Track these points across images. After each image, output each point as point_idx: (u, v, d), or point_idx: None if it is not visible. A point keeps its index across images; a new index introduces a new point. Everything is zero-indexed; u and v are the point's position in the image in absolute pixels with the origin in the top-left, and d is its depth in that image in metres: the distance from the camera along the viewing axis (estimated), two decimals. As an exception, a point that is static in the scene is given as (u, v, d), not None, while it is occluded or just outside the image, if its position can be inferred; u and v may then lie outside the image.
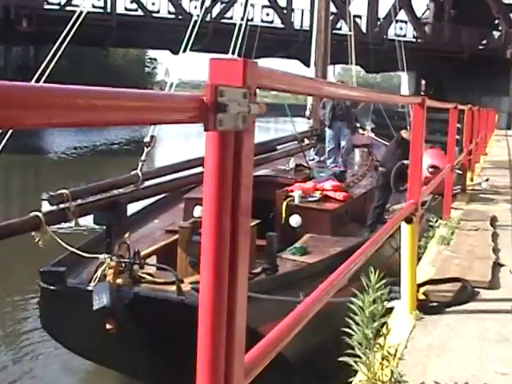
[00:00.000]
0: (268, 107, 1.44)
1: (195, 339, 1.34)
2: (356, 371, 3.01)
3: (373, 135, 14.35)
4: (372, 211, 7.95)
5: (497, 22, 42.12)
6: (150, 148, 6.50)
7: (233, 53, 9.45)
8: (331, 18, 14.82)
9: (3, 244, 4.45)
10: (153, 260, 5.94)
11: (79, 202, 5.08)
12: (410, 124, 4.60)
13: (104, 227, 5.33)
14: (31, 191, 19.64)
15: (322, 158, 11.49)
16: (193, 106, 1.20)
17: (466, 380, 3.04)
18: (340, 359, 3.04)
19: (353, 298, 3.16)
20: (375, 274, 3.17)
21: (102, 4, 32.67)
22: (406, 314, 3.93)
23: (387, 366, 2.96)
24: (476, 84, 38.11)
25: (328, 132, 11.37)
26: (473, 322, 3.89)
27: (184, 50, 8.33)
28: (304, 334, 2.04)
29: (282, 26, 36.87)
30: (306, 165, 9.85)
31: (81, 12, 7.60)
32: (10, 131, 4.76)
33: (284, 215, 7.22)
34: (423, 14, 45.75)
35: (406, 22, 40.87)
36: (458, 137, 9.67)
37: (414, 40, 40.31)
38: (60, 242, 4.75)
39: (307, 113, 12.92)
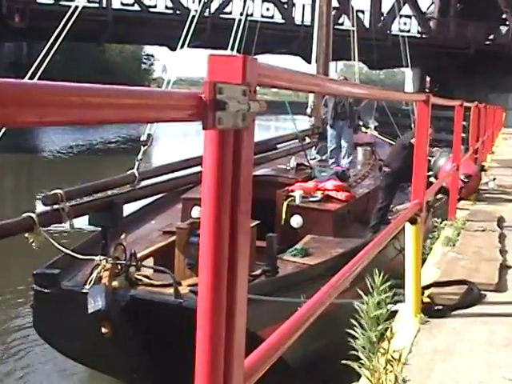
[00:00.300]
0: (268, 105, 1.45)
1: (193, 343, 1.34)
2: (359, 376, 3.02)
3: (376, 133, 14.36)
4: (376, 212, 7.95)
5: (504, 16, 42.10)
6: (146, 147, 6.51)
7: (232, 49, 9.45)
8: (333, 12, 14.84)
9: (-4, 246, 4.45)
10: (150, 262, 5.94)
11: (74, 202, 5.09)
12: (415, 122, 4.60)
13: (99, 228, 5.33)
14: (24, 191, 19.66)
15: (323, 157, 11.49)
16: (191, 103, 1.20)
17: (473, 385, 3.04)
18: (343, 363, 3.04)
19: (356, 301, 3.16)
20: (379, 276, 3.18)
21: (97, -2, 32.71)
22: (411, 318, 3.93)
23: (391, 371, 2.96)
24: (482, 81, 38.10)
25: (330, 131, 11.36)
26: (479, 326, 3.89)
27: (182, 46, 8.34)
28: (305, 337, 2.04)
29: (283, 21, 36.86)
30: (307, 164, 9.85)
31: (76, 7, 7.61)
32: (3, 129, 4.76)
33: (284, 216, 7.23)
34: (428, 8, 45.75)
35: (410, 17, 40.86)
36: (463, 135, 9.68)
37: (419, 35, 40.29)
38: (54, 243, 4.75)
39: (308, 110, 12.92)
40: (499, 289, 4.62)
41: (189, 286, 4.81)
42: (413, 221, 3.87)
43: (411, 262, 3.97)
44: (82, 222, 5.39)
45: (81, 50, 51.26)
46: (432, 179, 7.87)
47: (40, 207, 4.92)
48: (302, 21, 36.43)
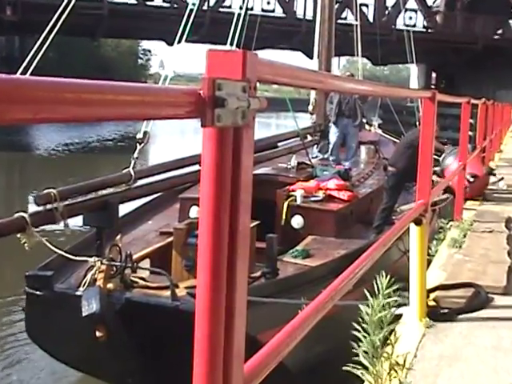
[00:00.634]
0: (269, 102, 1.45)
1: (191, 347, 1.34)
2: (362, 382, 3.02)
3: (380, 131, 14.36)
4: (379, 213, 7.94)
5: (513, 10, 42.12)
6: (143, 145, 6.52)
7: (231, 44, 9.45)
8: (336, 6, 14.81)
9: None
10: (146, 263, 5.95)
11: (68, 202, 5.09)
12: (420, 120, 4.60)
13: (94, 229, 5.33)
14: (17, 191, 19.66)
15: (325, 156, 11.49)
16: (189, 100, 1.20)
17: (479, 392, 3.05)
18: (345, 369, 3.04)
19: (359, 304, 3.17)
20: (384, 278, 3.18)
21: (92, -9, 32.70)
22: (416, 322, 3.93)
23: (395, 377, 2.97)
24: (490, 77, 38.10)
25: (333, 128, 11.36)
26: (487, 330, 3.90)
27: (179, 41, 8.34)
28: (306, 341, 2.04)
29: (284, 15, 36.89)
30: (308, 163, 9.85)
31: (70, 0, 7.61)
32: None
33: (285, 216, 7.23)
34: (434, 2, 45.75)
35: (415, 11, 40.88)
36: (470, 133, 9.67)
37: (425, 30, 40.32)
38: (47, 244, 4.76)
39: (310, 108, 12.92)
40: (507, 292, 4.61)
41: (186, 288, 4.82)
42: (418, 221, 3.87)
43: (416, 264, 3.97)
44: (76, 223, 5.40)
45: (75, 45, 51.31)
46: (434, 177, 7.86)
47: (33, 207, 4.93)
48: (304, 15, 36.45)
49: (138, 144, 6.47)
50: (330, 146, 11.36)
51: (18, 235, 4.53)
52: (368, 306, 3.12)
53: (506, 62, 36.86)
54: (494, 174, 9.91)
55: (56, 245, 5.01)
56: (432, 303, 4.19)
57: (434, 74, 46.13)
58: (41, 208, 4.80)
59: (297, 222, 7.20)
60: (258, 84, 1.39)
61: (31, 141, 33.20)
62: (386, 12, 39.27)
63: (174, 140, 35.87)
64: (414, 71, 46.69)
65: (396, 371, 2.95)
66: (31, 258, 5.37)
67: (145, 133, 6.47)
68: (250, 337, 1.63)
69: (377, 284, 3.21)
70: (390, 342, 3.10)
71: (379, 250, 2.87)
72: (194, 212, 6.98)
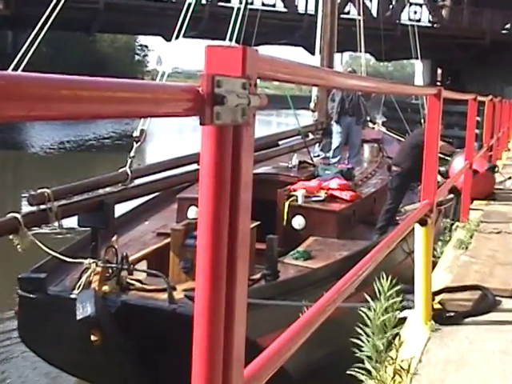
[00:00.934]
0: (269, 99, 1.45)
1: (189, 352, 1.34)
2: (365, 387, 3.02)
3: (384, 129, 14.37)
4: (383, 214, 7.94)
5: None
6: (139, 143, 6.53)
7: (231, 39, 9.45)
8: (338, 0, 14.82)
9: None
10: (143, 265, 5.95)
11: (62, 202, 5.09)
12: (425, 117, 4.61)
13: (89, 230, 5.34)
14: (10, 190, 19.64)
15: (327, 155, 11.48)
16: (187, 97, 1.20)
17: (486, 397, 3.05)
18: (348, 373, 3.04)
19: (362, 305, 3.17)
20: (387, 280, 3.18)
21: (87, -15, 32.67)
22: (421, 325, 3.93)
23: (400, 382, 2.97)
24: (498, 73, 38.06)
25: (335, 127, 11.34)
26: (494, 335, 3.90)
27: (177, 37, 8.34)
28: (308, 345, 2.04)
29: (285, 9, 36.85)
30: (310, 161, 9.86)
31: (64, -7, 7.60)
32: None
33: (286, 216, 7.23)
34: (439, -4, 45.77)
35: (420, 5, 40.84)
36: (477, 131, 9.67)
37: (430, 25, 40.27)
38: (41, 245, 4.76)
39: (312, 105, 12.93)
40: (515, 295, 4.62)
41: (184, 290, 4.82)
42: (423, 222, 3.88)
43: (421, 266, 3.97)
44: (71, 223, 5.40)
45: (70, 40, 51.29)
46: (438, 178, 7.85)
47: (26, 207, 4.93)
48: (306, 9, 36.40)
49: (134, 142, 6.47)
50: (333, 147, 11.32)
51: (11, 236, 4.53)
52: (371, 308, 3.13)
53: (514, 57, 36.85)
54: (496, 172, 9.88)
55: (50, 246, 5.02)
56: (437, 306, 4.19)
57: (439, 70, 46.10)
58: (34, 208, 4.80)
59: (298, 222, 7.20)
60: (258, 81, 1.39)
61: (25, 138, 33.21)
62: (390, 6, 39.21)
63: (172, 138, 35.87)
64: (418, 67, 46.52)
65: (400, 376, 2.95)
66: (24, 260, 5.37)
67: (142, 131, 6.48)
68: (250, 341, 1.63)
69: (380, 286, 3.21)
70: (394, 345, 3.10)
71: (383, 252, 2.87)
72: (192, 212, 6.98)
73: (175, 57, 10.36)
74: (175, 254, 6.00)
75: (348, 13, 32.73)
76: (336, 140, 11.29)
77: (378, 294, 3.33)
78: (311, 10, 34.26)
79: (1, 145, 24.92)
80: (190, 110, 1.21)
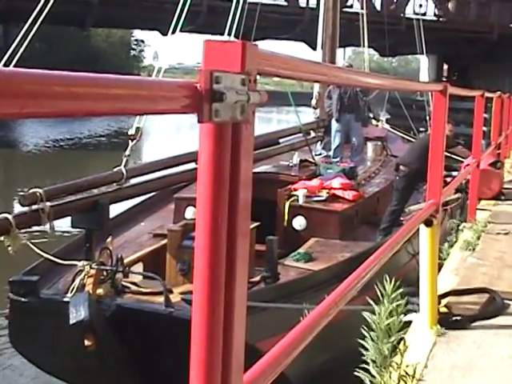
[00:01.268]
0: (269, 95, 1.45)
1: (187, 356, 1.35)
2: (369, 393, 3.02)
3: (388, 127, 14.36)
4: (387, 215, 7.92)
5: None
6: (135, 141, 6.52)
7: (229, 34, 9.45)
8: (341, -7, 14.82)
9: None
10: (138, 267, 5.95)
11: (55, 202, 5.09)
12: (430, 114, 4.61)
13: (83, 231, 5.33)
14: (1, 190, 19.63)
15: (329, 153, 11.48)
16: (185, 94, 1.20)
17: (494, 404, 3.05)
18: (351, 379, 3.05)
19: (365, 308, 3.17)
20: (391, 282, 3.18)
21: (81, -22, 32.63)
22: (426, 329, 3.94)
23: (404, 388, 2.97)
24: (506, 69, 38.03)
25: (334, 126, 11.31)
26: (502, 339, 3.90)
27: (174, 31, 8.34)
28: (309, 350, 2.05)
29: (286, 3, 36.85)
30: (311, 160, 9.85)
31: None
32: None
33: (286, 217, 7.23)
34: (446, -11, 45.75)
35: (426, -1, 40.83)
36: (485, 128, 9.68)
37: (436, 19, 40.26)
38: (33, 247, 4.76)
39: (313, 102, 12.93)
40: (523, 298, 4.62)
41: (181, 293, 4.82)
42: (428, 223, 3.88)
43: (426, 268, 3.98)
44: (64, 224, 5.40)
45: (64, 35, 51.29)
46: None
47: (17, 207, 4.93)
48: (307, 3, 36.37)
49: (130, 141, 6.47)
50: (333, 147, 11.30)
51: (2, 238, 4.53)
52: (375, 312, 3.13)
53: (523, 52, 36.84)
54: (499, 168, 9.87)
55: (42, 248, 5.01)
56: (444, 310, 4.20)
57: (445, 66, 46.08)
58: (26, 209, 4.80)
59: (299, 223, 7.20)
60: (258, 77, 1.39)
61: (18, 136, 33.20)
62: (395, 0, 39.22)
63: (169, 136, 35.86)
64: (424, 63, 46.56)
65: (405, 382, 2.96)
66: (15, 262, 5.37)
67: (137, 129, 6.47)
68: (250, 345, 1.63)
69: (383, 288, 3.21)
70: (398, 350, 3.10)
71: (387, 253, 2.87)
72: (189, 213, 6.98)
73: (172, 52, 10.35)
74: (172, 255, 6.00)
75: (351, 6, 32.76)
76: (335, 140, 11.27)
77: (381, 297, 3.33)
78: (313, 3, 34.24)
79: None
80: (187, 107, 1.21)
